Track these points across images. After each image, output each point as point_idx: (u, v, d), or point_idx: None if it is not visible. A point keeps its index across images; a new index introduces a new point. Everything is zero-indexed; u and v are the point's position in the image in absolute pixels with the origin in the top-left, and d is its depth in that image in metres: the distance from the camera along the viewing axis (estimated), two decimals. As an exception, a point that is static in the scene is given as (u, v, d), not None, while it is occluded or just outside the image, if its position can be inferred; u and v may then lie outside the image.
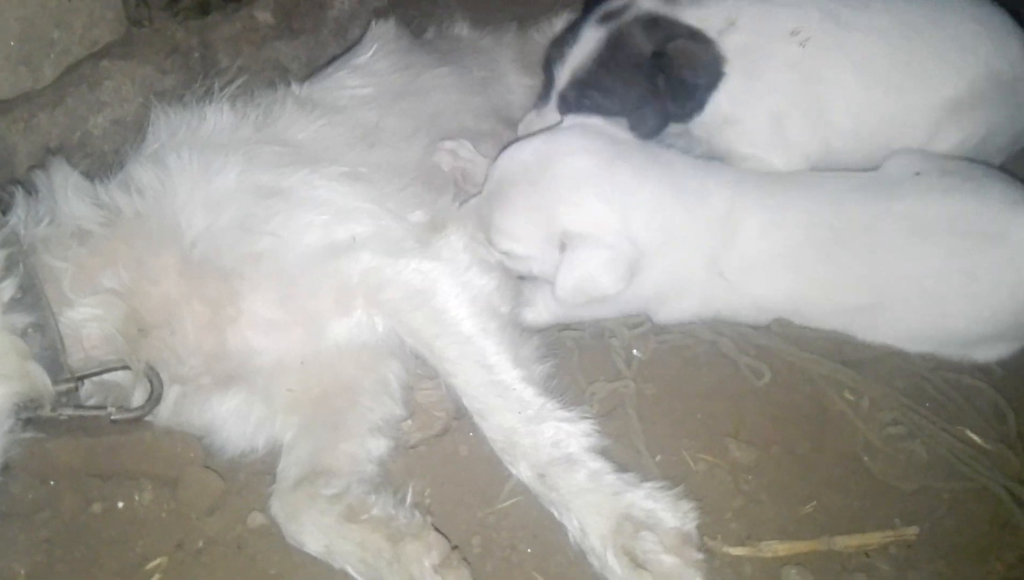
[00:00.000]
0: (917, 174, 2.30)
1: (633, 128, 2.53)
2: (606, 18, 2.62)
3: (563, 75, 2.65)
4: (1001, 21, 2.66)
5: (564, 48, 2.66)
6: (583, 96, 2.61)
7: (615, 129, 2.32)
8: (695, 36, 2.60)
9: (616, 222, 2.17)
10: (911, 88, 2.60)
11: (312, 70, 3.24)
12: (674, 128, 2.73)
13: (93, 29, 2.58)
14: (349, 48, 3.14)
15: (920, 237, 2.20)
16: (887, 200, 2.26)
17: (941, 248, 2.18)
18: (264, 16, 3.13)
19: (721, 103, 2.61)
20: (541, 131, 2.46)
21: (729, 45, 2.59)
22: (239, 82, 2.49)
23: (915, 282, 2.21)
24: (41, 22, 2.41)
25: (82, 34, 2.55)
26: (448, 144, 2.68)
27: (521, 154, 2.29)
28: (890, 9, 2.64)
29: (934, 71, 2.59)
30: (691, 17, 2.63)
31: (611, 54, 2.59)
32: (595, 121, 2.33)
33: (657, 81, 2.56)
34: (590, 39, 2.61)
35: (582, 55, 2.62)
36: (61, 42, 2.49)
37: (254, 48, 3.12)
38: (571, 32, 2.69)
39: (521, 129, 2.75)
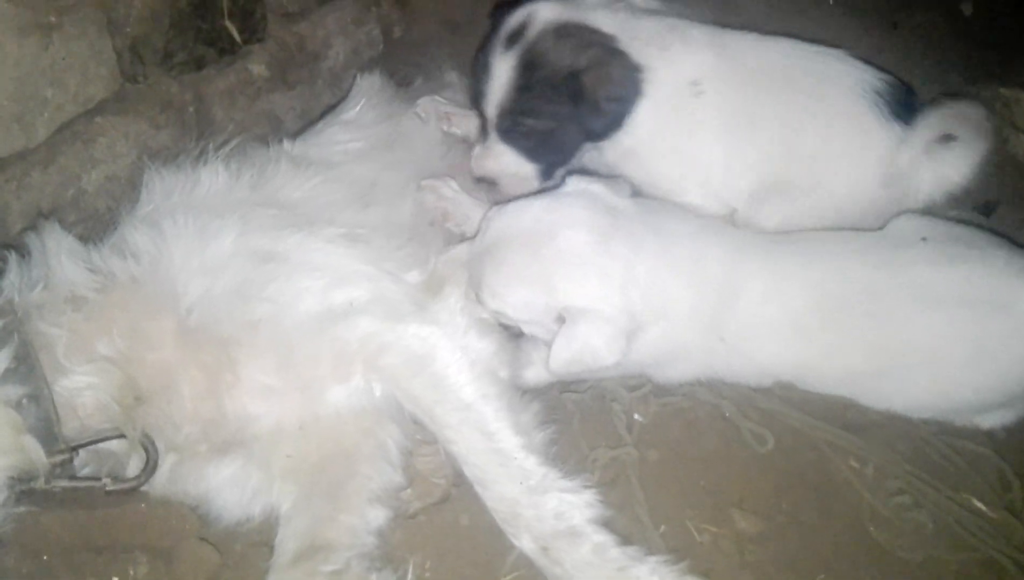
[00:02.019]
0: (923, 240, 2.29)
1: (558, 147, 2.59)
2: (511, 40, 2.57)
3: (491, 108, 2.62)
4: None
5: (482, 81, 2.62)
6: (515, 124, 2.60)
7: (615, 197, 2.29)
8: (608, 45, 2.54)
9: (615, 297, 2.15)
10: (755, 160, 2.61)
11: (306, 121, 3.24)
12: (591, 152, 2.73)
13: (87, 86, 2.55)
14: (342, 99, 3.13)
15: (926, 305, 2.19)
16: (893, 266, 2.25)
17: (947, 317, 2.17)
18: (259, 69, 3.11)
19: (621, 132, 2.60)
20: (540, 192, 2.45)
21: (647, 61, 2.55)
22: (234, 143, 2.46)
23: (921, 351, 2.19)
24: (35, 80, 2.38)
25: (76, 91, 2.51)
26: (432, 182, 2.66)
27: (520, 219, 2.25)
28: (759, 67, 2.63)
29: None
30: (605, 22, 2.57)
31: (527, 79, 2.54)
32: (596, 188, 2.29)
33: (575, 100, 2.52)
34: (503, 68, 2.56)
35: (500, 85, 2.57)
36: (55, 100, 2.46)
37: (249, 101, 3.10)
38: (483, 63, 2.63)
39: (472, 163, 2.74)
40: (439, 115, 2.87)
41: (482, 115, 2.68)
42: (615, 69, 2.52)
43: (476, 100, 2.70)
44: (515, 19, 2.59)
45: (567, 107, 2.53)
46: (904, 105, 2.59)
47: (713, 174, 2.62)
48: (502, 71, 2.56)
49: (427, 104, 2.93)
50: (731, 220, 2.60)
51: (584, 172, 2.51)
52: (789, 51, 2.69)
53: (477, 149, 2.73)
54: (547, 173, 2.66)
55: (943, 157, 2.52)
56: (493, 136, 2.66)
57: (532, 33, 2.54)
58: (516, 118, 2.58)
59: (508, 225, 2.25)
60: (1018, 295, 2.15)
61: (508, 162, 2.66)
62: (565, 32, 2.53)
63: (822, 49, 2.70)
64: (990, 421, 2.28)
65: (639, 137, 2.60)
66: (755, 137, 2.59)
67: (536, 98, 2.55)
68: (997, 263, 2.22)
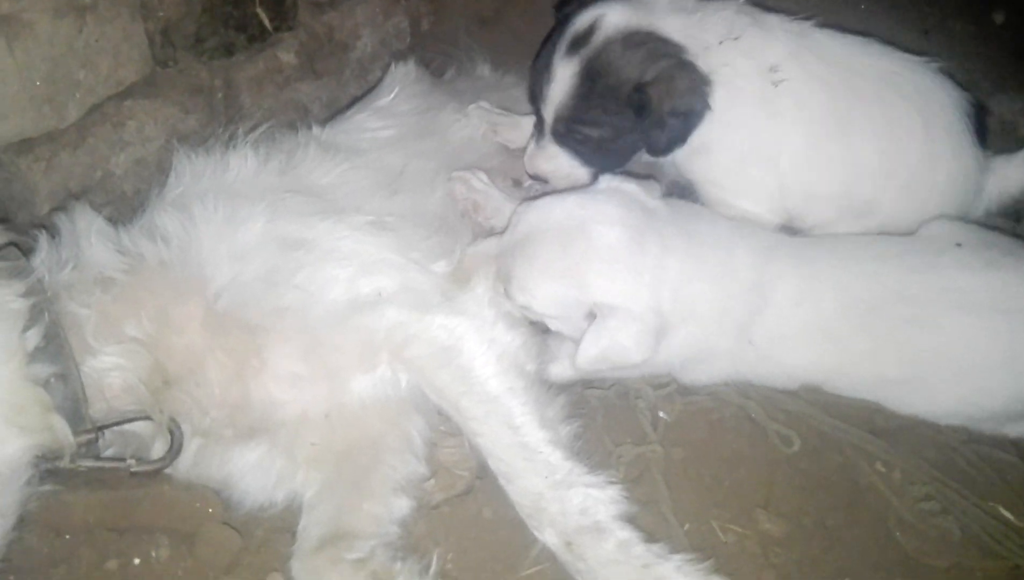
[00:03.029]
0: (958, 245, 2.27)
1: (614, 155, 2.52)
2: (576, 45, 2.47)
3: (548, 112, 2.56)
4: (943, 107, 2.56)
5: (542, 82, 2.55)
6: (572, 130, 2.54)
7: (647, 196, 2.28)
8: (677, 57, 2.44)
9: (646, 295, 2.13)
10: (844, 159, 2.53)
11: (332, 111, 3.24)
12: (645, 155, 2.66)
13: (119, 70, 2.55)
14: (369, 89, 3.13)
15: (961, 312, 2.16)
16: (927, 271, 2.23)
17: (983, 324, 2.15)
18: (288, 57, 3.11)
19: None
20: (573, 189, 2.42)
21: (713, 66, 2.46)
22: (263, 128, 2.46)
23: (955, 358, 2.17)
24: (67, 62, 2.39)
25: (108, 74, 2.52)
26: (462, 173, 2.64)
27: (553, 213, 2.23)
28: (850, 66, 2.55)
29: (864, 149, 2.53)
30: (675, 28, 2.47)
31: (589, 87, 2.46)
32: (630, 187, 2.29)
33: (639, 113, 2.44)
34: (565, 73, 2.48)
35: (561, 90, 2.50)
36: (86, 82, 2.47)
37: (277, 89, 3.10)
38: (544, 64, 2.55)
39: (526, 161, 2.70)
40: (487, 124, 2.85)
41: (539, 115, 2.63)
42: (683, 83, 2.44)
43: (533, 99, 2.64)
44: (582, 22, 2.50)
45: (630, 120, 2.47)
46: (981, 127, 2.58)
47: (787, 172, 2.54)
48: (564, 76, 2.49)
49: (476, 112, 2.89)
50: (784, 229, 2.57)
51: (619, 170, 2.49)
52: (881, 54, 2.60)
53: (531, 147, 2.68)
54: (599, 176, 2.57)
55: (1004, 173, 2.60)
56: (548, 138, 2.60)
57: (599, 40, 2.46)
58: (573, 125, 2.53)
59: (540, 220, 2.23)
60: None
61: (561, 164, 2.62)
62: (633, 41, 2.44)
63: (912, 58, 2.62)
64: (1018, 430, 2.25)
65: (714, 133, 2.50)
66: (847, 143, 2.51)
67: (597, 108, 2.48)
68: None
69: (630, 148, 2.59)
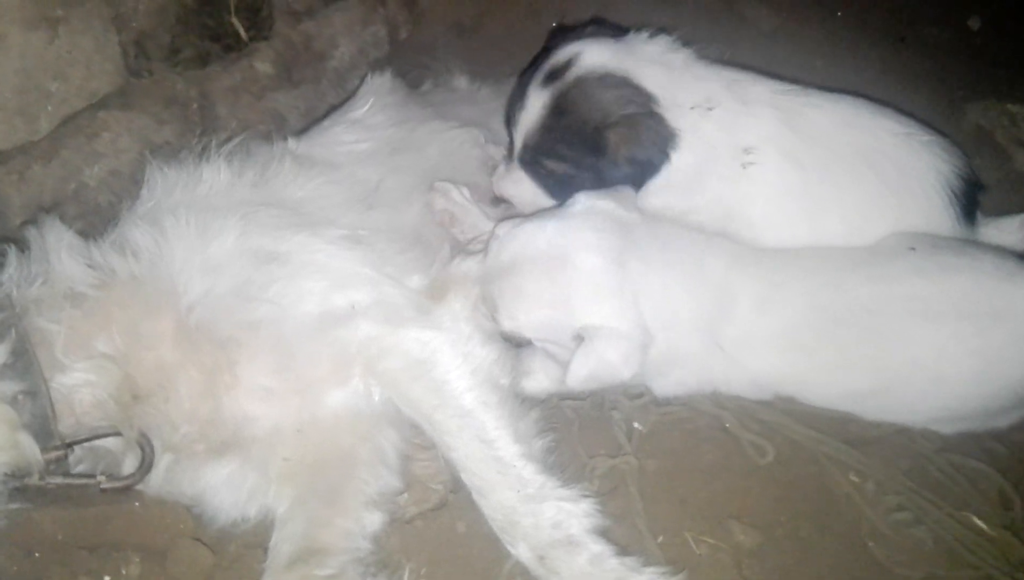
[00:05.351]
0: (912, 249, 2.29)
1: (575, 190, 2.42)
2: (551, 77, 2.49)
3: (518, 139, 2.58)
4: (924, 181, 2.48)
5: (516, 108, 2.57)
6: (537, 161, 2.56)
7: (622, 209, 2.29)
8: (646, 106, 2.44)
9: (631, 313, 2.14)
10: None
11: (310, 120, 3.22)
12: None
13: (92, 81, 2.54)
14: (347, 99, 3.12)
15: (925, 320, 2.17)
16: (886, 280, 2.24)
17: (948, 331, 2.15)
18: (264, 67, 3.10)
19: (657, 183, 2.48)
20: (550, 211, 2.40)
21: (683, 126, 2.44)
22: (236, 140, 2.44)
23: (925, 366, 2.17)
24: (39, 74, 2.37)
25: (80, 85, 2.50)
26: (444, 185, 2.63)
27: (535, 241, 2.24)
28: (832, 146, 2.48)
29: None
30: (652, 79, 2.47)
31: (555, 121, 2.48)
32: (605, 204, 2.29)
33: (596, 153, 2.44)
34: (536, 104, 2.50)
35: (529, 120, 2.52)
36: (59, 93, 2.45)
37: (253, 99, 3.09)
38: (520, 91, 2.58)
39: (494, 181, 2.72)
40: (447, 213, 2.66)
41: (510, 138, 2.64)
42: (645, 132, 2.43)
43: (508, 121, 2.65)
44: (561, 55, 2.52)
45: (588, 158, 2.47)
46: (971, 202, 2.53)
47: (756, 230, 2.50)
48: (535, 106, 2.50)
49: (441, 195, 2.66)
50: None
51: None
52: (868, 129, 2.53)
53: (501, 168, 2.70)
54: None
55: (993, 238, 2.57)
56: (516, 163, 2.62)
57: (572, 76, 2.47)
58: (538, 156, 2.54)
59: (522, 248, 2.24)
60: (1012, 299, 2.14)
61: (525, 190, 2.63)
62: (604, 83, 2.46)
63: (906, 126, 2.55)
64: (991, 423, 2.27)
65: (671, 196, 2.49)
66: (811, 226, 2.46)
67: (559, 143, 2.49)
68: (985, 268, 2.21)
69: (591, 186, 2.47)
